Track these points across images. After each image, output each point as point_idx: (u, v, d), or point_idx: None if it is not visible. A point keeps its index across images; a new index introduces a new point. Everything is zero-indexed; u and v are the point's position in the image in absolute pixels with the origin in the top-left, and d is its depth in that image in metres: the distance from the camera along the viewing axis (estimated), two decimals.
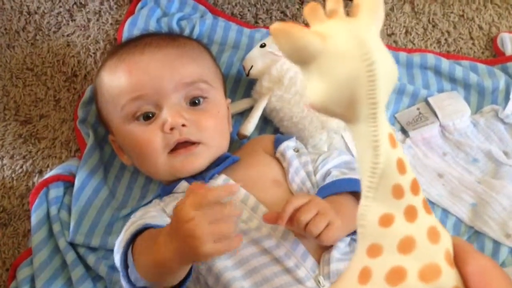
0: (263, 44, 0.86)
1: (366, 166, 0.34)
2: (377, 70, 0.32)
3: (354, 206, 0.65)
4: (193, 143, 0.73)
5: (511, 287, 0.34)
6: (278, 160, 0.77)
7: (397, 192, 0.34)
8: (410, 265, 0.33)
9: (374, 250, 0.34)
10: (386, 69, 0.33)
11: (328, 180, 0.70)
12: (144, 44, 0.76)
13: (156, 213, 0.69)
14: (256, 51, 0.87)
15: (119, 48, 0.79)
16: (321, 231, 0.61)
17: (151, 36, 0.80)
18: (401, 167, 0.34)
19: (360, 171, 0.35)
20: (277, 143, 0.78)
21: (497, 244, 0.80)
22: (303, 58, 0.34)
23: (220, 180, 0.71)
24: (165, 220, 0.65)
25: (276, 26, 0.33)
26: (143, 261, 0.59)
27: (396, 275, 0.33)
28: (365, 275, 0.34)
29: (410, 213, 0.34)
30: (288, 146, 0.76)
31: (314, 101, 0.34)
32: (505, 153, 0.88)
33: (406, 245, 0.34)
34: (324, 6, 0.37)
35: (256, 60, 0.86)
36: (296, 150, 0.77)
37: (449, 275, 0.34)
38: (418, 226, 0.34)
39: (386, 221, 0.34)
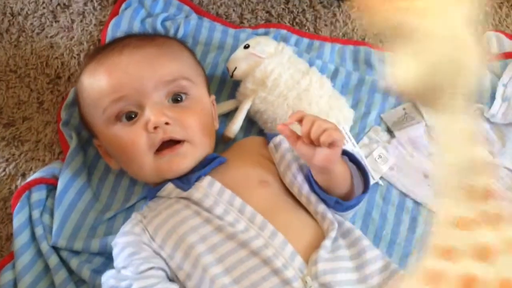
0: (246, 45, 0.86)
1: (448, 161, 0.32)
2: (468, 59, 0.31)
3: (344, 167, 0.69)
4: (178, 142, 0.72)
5: None
6: (267, 157, 0.76)
7: (482, 194, 0.32)
8: (486, 274, 0.31)
9: (449, 253, 0.32)
10: (475, 61, 0.32)
11: None
12: (122, 45, 0.75)
13: (135, 249, 0.67)
14: (240, 52, 0.86)
15: (97, 51, 0.78)
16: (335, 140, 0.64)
17: (129, 37, 0.80)
18: (476, 168, 0.32)
19: (442, 165, 0.32)
20: (270, 136, 0.78)
21: None
22: (393, 34, 0.31)
23: (206, 182, 0.71)
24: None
25: None
26: None
27: (469, 282, 0.31)
28: (436, 276, 0.32)
29: (493, 220, 0.32)
30: (284, 139, 0.76)
31: (401, 81, 0.32)
32: (491, 153, 0.88)
33: (484, 253, 0.32)
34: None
35: (240, 61, 0.85)
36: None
37: None
38: (499, 235, 0.32)
39: (464, 223, 0.32)
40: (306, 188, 0.71)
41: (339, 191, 0.70)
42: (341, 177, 0.69)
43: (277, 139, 0.77)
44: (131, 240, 0.68)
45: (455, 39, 0.30)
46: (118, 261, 0.67)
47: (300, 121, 0.66)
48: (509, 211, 0.33)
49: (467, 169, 0.32)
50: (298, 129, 0.66)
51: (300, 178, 0.72)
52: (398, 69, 0.32)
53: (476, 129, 0.32)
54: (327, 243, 0.66)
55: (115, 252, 0.69)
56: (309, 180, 0.71)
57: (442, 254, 0.32)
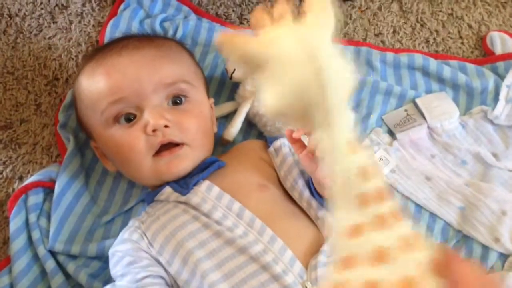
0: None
1: (329, 174, 0.33)
2: (327, 76, 0.31)
3: None
4: (177, 145, 0.71)
5: None
6: (267, 161, 0.76)
7: (364, 200, 0.33)
8: (384, 277, 0.32)
9: (348, 263, 0.33)
10: (339, 74, 0.32)
11: None
12: (121, 46, 0.74)
13: (133, 258, 0.66)
14: None
15: (96, 52, 0.77)
16: None
17: (128, 38, 0.78)
18: (364, 174, 0.33)
19: (326, 178, 0.34)
20: (271, 139, 0.77)
21: (486, 248, 0.79)
22: (252, 66, 0.33)
23: (204, 186, 0.70)
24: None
25: (219, 38, 0.32)
26: None
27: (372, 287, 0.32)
28: None
29: (381, 221, 0.33)
30: (285, 143, 0.76)
31: (268, 109, 0.33)
32: (494, 155, 0.86)
33: (379, 256, 0.32)
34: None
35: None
36: (290, 149, 0.76)
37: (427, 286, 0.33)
38: (389, 236, 0.33)
39: (355, 231, 0.33)
40: (307, 193, 0.70)
41: None
42: None
43: (278, 143, 0.76)
44: (129, 247, 0.67)
45: (313, 59, 0.31)
46: (116, 269, 0.67)
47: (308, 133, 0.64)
48: (394, 209, 0.34)
49: (354, 177, 0.32)
50: (305, 138, 0.65)
51: (301, 183, 0.71)
52: (264, 96, 0.33)
53: (356, 138, 0.33)
54: (326, 248, 0.65)
55: (113, 261, 0.68)
56: (310, 186, 0.70)
57: (343, 265, 0.33)
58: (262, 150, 0.78)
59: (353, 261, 0.33)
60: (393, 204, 0.34)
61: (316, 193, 0.69)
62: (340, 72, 0.33)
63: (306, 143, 0.65)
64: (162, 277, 0.65)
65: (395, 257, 0.32)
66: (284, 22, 0.34)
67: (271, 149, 0.76)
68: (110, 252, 0.69)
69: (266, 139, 0.80)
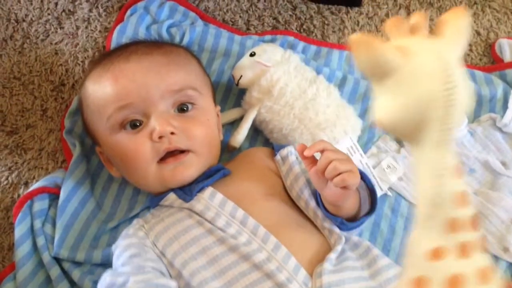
0: (252, 53, 0.84)
1: (425, 194, 0.32)
2: (457, 95, 0.31)
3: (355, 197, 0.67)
4: (182, 152, 0.71)
5: None
6: (273, 169, 0.75)
7: (454, 225, 0.32)
8: None
9: (420, 283, 0.33)
10: (464, 95, 0.32)
11: None
12: (129, 52, 0.74)
13: (137, 250, 0.65)
14: (245, 60, 0.85)
15: (103, 57, 0.77)
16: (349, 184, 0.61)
17: (136, 44, 0.78)
18: (462, 200, 0.32)
19: (417, 196, 0.33)
20: (277, 147, 0.77)
21: (494, 258, 0.79)
22: (380, 73, 0.32)
23: (207, 193, 0.69)
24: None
25: (356, 37, 0.31)
26: None
27: None
28: None
29: (464, 249, 0.32)
30: (291, 152, 0.75)
31: (382, 118, 0.32)
32: (503, 163, 0.86)
33: (455, 283, 0.32)
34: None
35: (246, 69, 0.84)
36: (297, 157, 0.75)
37: None
38: (470, 264, 0.32)
39: (437, 254, 0.32)
40: (313, 203, 0.69)
41: (345, 215, 0.68)
42: (349, 206, 0.68)
43: (285, 151, 0.75)
44: (134, 242, 0.67)
45: (440, 75, 0.31)
46: (119, 261, 0.65)
47: (321, 151, 0.64)
48: (479, 239, 0.33)
49: (447, 201, 0.32)
50: (318, 154, 0.65)
51: (307, 192, 0.70)
52: (379, 105, 0.33)
53: (458, 162, 0.33)
54: (332, 256, 0.64)
55: (116, 254, 0.67)
56: (316, 197, 0.69)
57: (415, 285, 0.33)
58: (268, 158, 0.77)
59: (427, 283, 0.32)
60: (479, 236, 0.33)
61: (322, 207, 0.68)
62: (465, 93, 0.32)
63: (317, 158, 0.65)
64: (163, 273, 0.64)
65: (471, 286, 0.32)
66: (420, 34, 0.34)
67: (278, 157, 0.75)
68: (114, 246, 0.69)
69: (273, 147, 0.79)
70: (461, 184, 0.33)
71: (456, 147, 0.85)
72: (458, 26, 0.33)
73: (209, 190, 0.70)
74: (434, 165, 0.32)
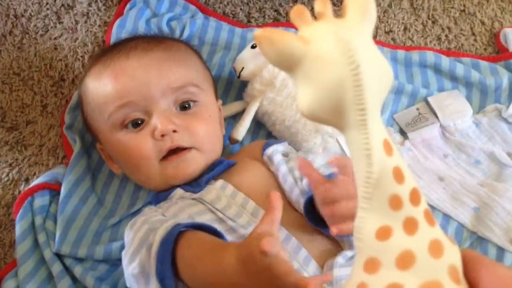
0: (254, 45, 0.83)
1: (360, 176, 0.32)
2: (364, 74, 0.31)
3: None
4: (185, 148, 0.70)
5: None
6: (266, 165, 0.74)
7: (395, 202, 0.32)
8: (409, 282, 0.31)
9: (372, 265, 0.32)
10: (376, 72, 0.32)
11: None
12: (129, 48, 0.73)
13: (162, 217, 0.64)
14: (247, 52, 0.84)
15: (103, 53, 0.76)
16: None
17: (136, 39, 0.77)
18: (398, 176, 0.32)
19: (355, 180, 0.33)
20: (265, 147, 0.75)
21: (501, 250, 0.77)
22: (288, 64, 0.32)
23: (218, 184, 0.69)
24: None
25: (258, 33, 0.31)
26: (199, 272, 0.53)
27: None
28: None
29: (410, 225, 0.32)
30: (277, 150, 0.73)
31: (301, 108, 0.33)
32: (509, 155, 0.84)
33: (405, 260, 0.32)
34: (312, 8, 0.35)
35: (247, 61, 0.83)
36: (285, 155, 0.73)
37: None
38: (418, 240, 0.32)
39: (383, 234, 0.32)
40: (302, 201, 0.66)
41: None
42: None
43: (270, 150, 0.73)
44: (154, 214, 0.64)
45: (341, 58, 0.31)
46: (144, 227, 0.61)
47: (338, 165, 0.58)
48: (424, 213, 0.33)
49: (382, 180, 0.32)
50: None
51: (296, 191, 0.68)
52: (298, 96, 0.33)
53: (386, 139, 0.33)
54: (348, 253, 0.62)
55: (136, 226, 0.63)
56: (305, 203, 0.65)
57: (366, 267, 0.33)
58: (261, 150, 0.76)
59: (378, 263, 0.32)
60: (426, 208, 0.33)
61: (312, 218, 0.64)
62: (377, 71, 0.32)
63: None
64: None
65: (422, 262, 0.32)
66: (325, 19, 0.34)
67: (265, 157, 0.74)
68: (130, 223, 0.65)
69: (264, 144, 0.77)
70: (393, 160, 0.32)
71: (459, 138, 0.85)
72: (360, 4, 0.33)
73: (220, 182, 0.69)
74: (360, 146, 0.32)
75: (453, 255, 0.33)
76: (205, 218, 0.65)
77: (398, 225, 0.32)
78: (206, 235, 0.56)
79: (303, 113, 0.33)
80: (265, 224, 0.47)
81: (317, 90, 0.32)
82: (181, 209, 0.66)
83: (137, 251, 0.59)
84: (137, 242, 0.60)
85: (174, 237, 0.55)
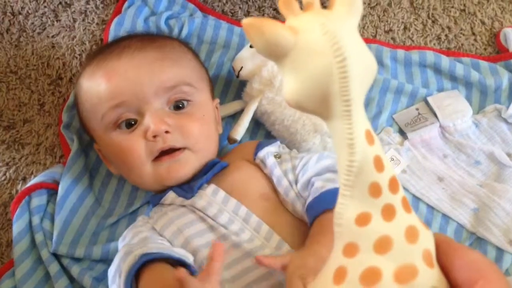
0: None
1: (342, 164, 0.33)
2: (350, 66, 0.31)
3: None
4: (178, 149, 0.70)
5: (503, 279, 0.33)
6: (260, 168, 0.73)
7: (375, 190, 0.33)
8: (386, 266, 0.33)
9: (350, 250, 0.34)
10: (361, 64, 0.32)
11: (314, 193, 0.64)
12: (122, 47, 0.72)
13: (149, 234, 0.65)
14: (246, 51, 0.83)
15: (97, 53, 0.75)
16: None
17: (130, 38, 0.76)
18: (378, 165, 0.33)
19: (338, 168, 0.34)
20: (257, 149, 0.73)
21: (500, 251, 0.77)
22: (275, 54, 0.33)
23: (210, 190, 0.68)
24: (166, 246, 0.61)
25: (247, 21, 0.32)
26: None
27: (371, 275, 0.33)
28: (340, 275, 0.34)
29: (388, 212, 0.33)
30: (269, 153, 0.72)
31: (287, 97, 0.33)
32: (509, 155, 0.84)
33: (382, 245, 0.33)
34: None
35: (246, 61, 0.82)
36: (278, 157, 0.72)
37: (427, 276, 0.33)
38: (395, 226, 0.33)
39: (362, 220, 0.33)
40: (298, 206, 0.66)
41: None
42: None
43: (262, 153, 0.72)
44: (144, 229, 0.66)
45: (328, 49, 0.32)
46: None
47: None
48: (401, 200, 0.34)
49: (363, 168, 0.33)
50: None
51: (291, 194, 0.67)
52: (285, 85, 0.34)
53: (368, 129, 0.34)
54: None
55: (126, 241, 0.65)
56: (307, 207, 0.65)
57: (345, 251, 0.34)
58: (254, 152, 0.75)
59: (356, 248, 0.33)
60: (403, 196, 0.34)
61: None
62: (363, 62, 0.32)
63: None
64: None
65: (399, 246, 0.33)
66: (312, 10, 0.34)
67: (257, 160, 0.72)
68: (122, 235, 0.68)
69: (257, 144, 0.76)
70: (374, 149, 0.33)
71: (459, 138, 0.85)
72: None
73: (211, 187, 0.68)
74: (343, 135, 0.33)
75: (427, 239, 0.34)
76: (196, 228, 0.64)
77: (377, 211, 0.33)
78: (165, 270, 0.57)
79: (289, 102, 0.33)
80: (204, 275, 0.48)
81: (304, 79, 0.32)
82: (171, 221, 0.66)
83: (113, 277, 0.61)
84: (115, 266, 0.61)
85: (135, 270, 0.56)
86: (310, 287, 0.36)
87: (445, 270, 0.34)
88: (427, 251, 0.34)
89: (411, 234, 0.33)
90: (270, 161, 0.70)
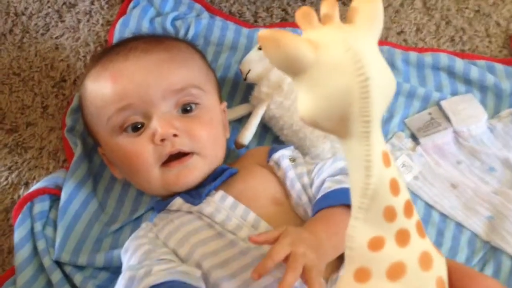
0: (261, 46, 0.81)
1: (357, 186, 0.32)
2: (372, 86, 0.30)
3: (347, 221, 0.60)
4: (186, 154, 0.68)
5: None
6: (272, 170, 0.71)
7: (389, 214, 0.32)
8: None
9: (362, 275, 0.33)
10: (382, 84, 0.31)
11: (322, 192, 0.64)
12: (128, 49, 0.71)
13: (152, 247, 0.63)
14: (254, 53, 0.81)
15: (102, 54, 0.74)
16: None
17: (137, 39, 0.75)
18: (394, 188, 0.32)
19: (351, 190, 0.33)
20: (271, 152, 0.73)
21: None
22: (293, 69, 0.31)
23: (218, 196, 0.67)
24: (170, 266, 0.59)
25: (264, 33, 0.30)
26: None
27: None
28: None
29: (402, 237, 0.32)
30: (284, 155, 0.71)
31: (303, 114, 0.32)
32: None
33: (396, 272, 0.32)
34: (318, 10, 0.33)
35: (254, 63, 0.80)
36: (293, 160, 0.71)
37: None
38: (409, 251, 0.33)
39: (376, 244, 0.32)
40: (311, 211, 0.66)
41: None
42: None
43: (277, 155, 0.71)
44: (145, 241, 0.64)
45: (351, 68, 0.30)
46: (132, 260, 0.63)
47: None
48: (416, 225, 0.33)
49: (379, 191, 0.32)
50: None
51: (304, 198, 0.67)
52: (300, 101, 0.33)
53: (385, 150, 0.33)
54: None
55: (127, 255, 0.64)
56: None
57: (357, 276, 0.33)
58: (267, 155, 0.74)
59: (368, 273, 0.32)
60: (418, 220, 0.33)
61: None
62: (383, 82, 0.31)
63: None
64: None
65: (412, 273, 0.32)
66: (332, 23, 0.33)
67: (271, 162, 0.72)
68: (124, 247, 0.66)
69: (269, 150, 0.75)
70: (391, 172, 0.32)
71: (473, 143, 0.82)
72: (369, 11, 0.32)
73: (219, 193, 0.67)
74: (360, 157, 0.32)
75: (440, 266, 0.33)
76: (203, 235, 0.63)
77: (391, 236, 0.32)
78: None
79: (303, 119, 0.32)
80: None
81: (322, 97, 0.31)
82: (177, 228, 0.65)
83: None
84: None
85: None
86: None
87: None
88: (440, 279, 0.33)
89: (425, 261, 0.33)
90: (285, 163, 0.70)
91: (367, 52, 0.30)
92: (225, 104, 0.79)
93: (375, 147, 0.31)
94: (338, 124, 0.31)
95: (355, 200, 0.32)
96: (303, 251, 0.52)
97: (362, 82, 0.30)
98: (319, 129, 0.33)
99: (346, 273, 0.33)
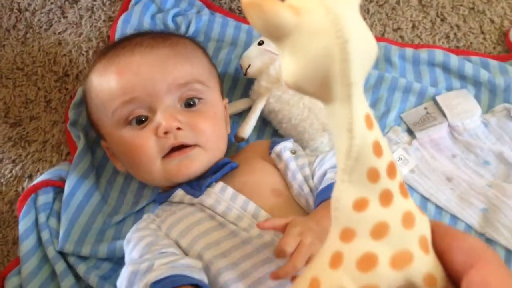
0: (261, 42, 0.82)
1: (341, 149, 0.33)
2: (352, 49, 0.30)
3: None
4: (188, 145, 0.69)
5: (500, 262, 0.32)
6: (274, 163, 0.73)
7: (373, 175, 0.32)
8: (382, 251, 0.33)
9: (347, 235, 0.33)
10: (362, 48, 0.31)
11: (324, 183, 0.66)
12: (134, 44, 0.72)
13: (154, 238, 0.64)
14: (253, 49, 0.83)
15: (108, 49, 0.75)
16: None
17: (142, 35, 0.76)
18: (377, 150, 0.32)
19: (336, 154, 0.33)
20: (273, 144, 0.74)
21: (509, 252, 0.77)
22: (276, 34, 0.31)
23: (218, 187, 0.68)
24: (172, 259, 0.60)
25: (247, 0, 0.30)
26: None
27: (367, 261, 0.32)
28: (336, 259, 0.33)
29: (386, 198, 0.33)
30: (285, 147, 0.73)
31: (286, 79, 0.32)
32: None
33: (379, 231, 0.33)
34: None
35: (254, 58, 0.82)
36: (293, 152, 0.73)
37: (422, 262, 0.33)
38: (392, 211, 0.33)
39: (360, 205, 0.33)
40: (312, 201, 0.67)
41: None
42: None
43: (278, 147, 0.73)
44: (147, 233, 0.65)
45: (330, 31, 0.30)
46: (134, 253, 0.63)
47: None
48: (398, 186, 0.34)
49: (362, 153, 0.32)
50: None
51: (306, 189, 0.68)
52: (284, 66, 0.33)
53: (368, 113, 0.33)
54: None
55: (129, 247, 0.65)
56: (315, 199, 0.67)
57: (342, 237, 0.34)
58: (269, 147, 0.76)
59: (353, 233, 0.33)
60: (401, 181, 0.34)
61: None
62: (364, 45, 0.31)
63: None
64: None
65: (395, 232, 0.33)
66: None
67: (273, 154, 0.73)
68: (126, 238, 0.67)
69: (270, 143, 0.77)
70: (374, 134, 0.32)
71: (468, 137, 0.84)
72: None
73: (219, 185, 0.68)
74: (343, 119, 0.32)
75: (423, 225, 0.34)
76: (205, 227, 0.64)
77: (375, 197, 0.33)
78: None
79: (288, 84, 0.33)
80: None
81: (304, 61, 0.31)
82: (179, 219, 0.66)
83: None
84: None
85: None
86: (307, 271, 0.36)
87: (441, 256, 0.34)
88: (423, 237, 0.33)
89: (408, 220, 0.33)
90: (287, 154, 0.71)
91: (347, 16, 0.31)
92: (226, 100, 0.81)
93: (358, 110, 0.32)
94: (321, 88, 0.32)
95: (340, 163, 0.33)
96: (311, 241, 0.54)
97: (342, 44, 0.30)
98: (303, 93, 0.33)
99: (332, 234, 0.34)
